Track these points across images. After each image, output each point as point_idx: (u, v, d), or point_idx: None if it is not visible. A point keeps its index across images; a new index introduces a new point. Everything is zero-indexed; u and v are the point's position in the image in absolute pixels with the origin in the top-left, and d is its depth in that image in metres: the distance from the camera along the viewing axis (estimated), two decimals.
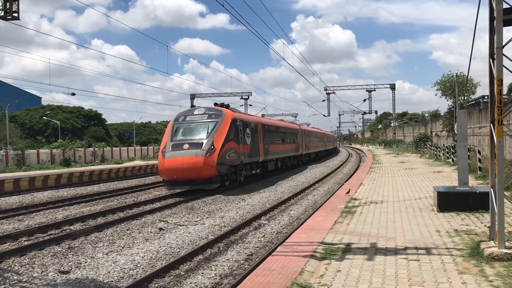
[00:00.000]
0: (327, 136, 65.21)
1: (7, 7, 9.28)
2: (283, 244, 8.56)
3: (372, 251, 7.68)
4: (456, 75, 37.18)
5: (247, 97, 59.74)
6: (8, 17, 9.41)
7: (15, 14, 9.30)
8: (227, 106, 23.79)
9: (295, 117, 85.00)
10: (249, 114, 28.22)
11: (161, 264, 8.96)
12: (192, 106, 48.47)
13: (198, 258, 9.41)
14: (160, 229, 12.52)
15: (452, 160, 29.50)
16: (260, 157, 26.33)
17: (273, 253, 7.88)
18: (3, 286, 7.65)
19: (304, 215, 14.33)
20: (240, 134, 22.48)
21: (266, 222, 13.55)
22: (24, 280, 8.03)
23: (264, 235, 11.65)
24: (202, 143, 19.75)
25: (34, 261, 9.23)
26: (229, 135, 20.85)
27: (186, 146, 19.74)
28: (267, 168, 28.99)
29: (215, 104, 23.91)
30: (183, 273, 8.39)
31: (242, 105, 59.07)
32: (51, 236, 11.42)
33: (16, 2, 9.16)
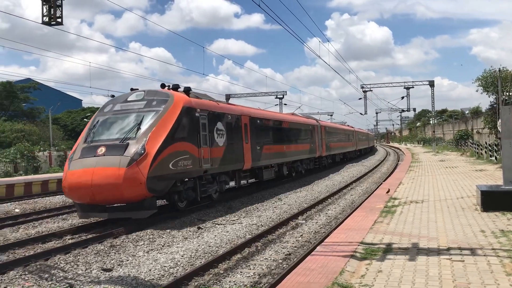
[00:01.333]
0: (360, 134, 58.17)
1: (51, 13, 9.68)
2: (322, 243, 8.50)
3: (414, 251, 7.52)
4: (499, 70, 35.91)
5: (282, 96, 59.64)
6: (52, 23, 9.81)
7: (59, 20, 9.69)
8: (187, 91, 15.73)
9: (331, 115, 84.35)
10: (227, 103, 19.81)
11: (201, 262, 9.06)
12: None
13: (237, 257, 9.46)
14: (199, 228, 12.67)
15: (496, 158, 28.51)
16: (246, 163, 18.80)
17: (312, 252, 7.83)
18: (50, 283, 7.93)
19: (342, 215, 14.19)
20: (203, 131, 15.19)
21: (304, 221, 13.49)
22: (69, 277, 8.29)
23: (301, 235, 11.61)
24: (126, 145, 12.71)
25: (78, 258, 9.52)
26: (178, 132, 13.76)
27: (101, 150, 12.77)
28: (262, 177, 21.35)
29: (162, 85, 15.66)
30: (222, 272, 8.46)
31: (277, 104, 59.02)
32: (94, 235, 11.73)
33: (60, 8, 9.53)
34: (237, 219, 14.06)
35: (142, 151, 12.56)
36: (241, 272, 8.44)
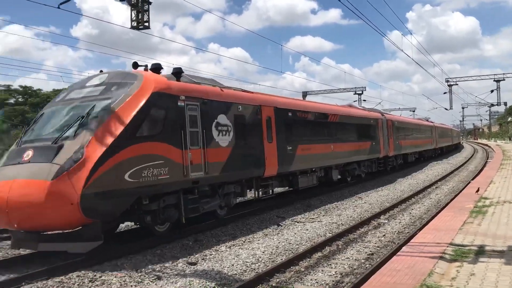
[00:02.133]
0: (441, 130, 50.40)
1: (139, 17, 10.25)
2: (408, 244, 8.21)
3: (510, 254, 7.01)
4: None
5: (361, 92, 58.31)
6: (140, 27, 10.37)
7: (146, 24, 10.23)
8: (177, 73, 11.85)
9: (413, 111, 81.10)
10: (241, 90, 14.80)
11: (281, 259, 9.11)
12: None
13: (317, 255, 9.41)
14: (278, 225, 12.75)
15: None
16: (269, 168, 14.48)
17: (398, 253, 7.58)
18: (139, 274, 8.36)
19: (427, 215, 13.61)
20: (192, 126, 11.27)
21: (386, 221, 13.10)
22: (157, 269, 8.70)
23: (384, 235, 11.29)
24: (59, 148, 9.15)
25: (165, 252, 9.96)
26: (143, 128, 10.01)
27: (28, 154, 9.31)
28: (297, 184, 16.82)
29: (134, 65, 11.43)
30: (303, 269, 8.45)
31: (356, 100, 57.80)
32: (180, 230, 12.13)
33: (147, 13, 10.05)
34: (317, 217, 13.97)
35: (79, 156, 8.86)
36: (322, 271, 8.38)
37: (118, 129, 9.45)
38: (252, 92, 15.08)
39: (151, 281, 7.95)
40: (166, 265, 8.96)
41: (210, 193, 12.30)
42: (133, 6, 10.19)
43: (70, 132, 9.43)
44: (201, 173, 11.39)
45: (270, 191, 15.55)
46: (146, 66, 11.51)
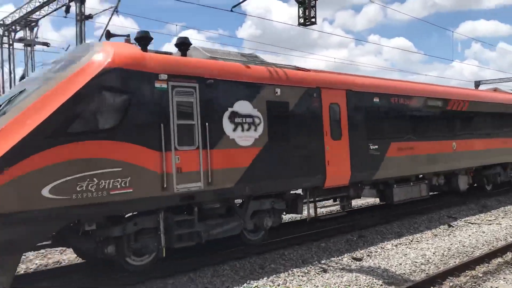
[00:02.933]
0: None
1: (306, 14, 10.56)
2: None
3: None
4: None
5: None
6: (307, 23, 10.70)
7: (313, 20, 10.54)
8: (183, 44, 9.07)
9: None
10: (295, 67, 10.66)
11: (454, 262, 8.54)
12: None
13: (497, 261, 8.61)
14: (449, 225, 11.92)
15: None
16: (335, 176, 10.67)
17: None
18: (306, 265, 8.59)
19: None
20: (182, 117, 8.09)
21: None
22: (322, 261, 8.85)
23: None
24: None
25: (330, 246, 10.05)
26: (83, 120, 7.04)
27: None
28: (391, 198, 12.63)
29: (108, 34, 9.24)
30: (480, 275, 7.81)
31: None
32: (342, 225, 12.13)
33: (314, 9, 10.32)
34: (494, 219, 12.72)
35: None
36: (504, 278, 7.63)
37: (35, 122, 6.61)
38: (308, 70, 10.85)
39: (317, 273, 8.12)
40: (332, 259, 9.05)
41: (223, 212, 9.08)
42: (301, 4, 10.53)
43: None
44: (199, 184, 8.18)
45: (340, 206, 12.08)
46: (128, 36, 8.72)
